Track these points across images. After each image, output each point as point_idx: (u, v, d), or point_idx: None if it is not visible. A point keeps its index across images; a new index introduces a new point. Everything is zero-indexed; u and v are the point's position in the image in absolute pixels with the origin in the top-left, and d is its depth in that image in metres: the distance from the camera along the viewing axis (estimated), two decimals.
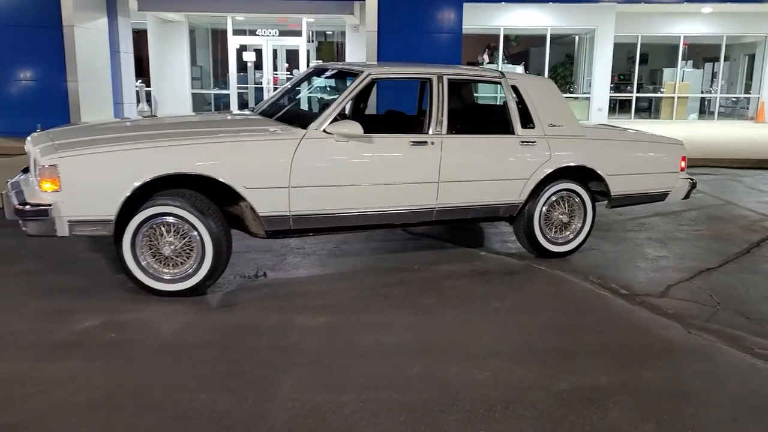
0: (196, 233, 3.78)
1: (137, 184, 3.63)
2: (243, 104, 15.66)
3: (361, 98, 5.48)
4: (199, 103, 16.17)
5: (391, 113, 5.52)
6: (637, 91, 19.17)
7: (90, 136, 3.93)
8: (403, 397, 2.81)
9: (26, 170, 4.39)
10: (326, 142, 4.04)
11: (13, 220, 3.73)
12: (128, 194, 3.62)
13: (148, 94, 15.02)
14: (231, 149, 3.85)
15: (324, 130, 4.04)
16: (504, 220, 4.88)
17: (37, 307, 3.66)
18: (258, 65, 15.68)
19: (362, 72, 4.30)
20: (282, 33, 15.43)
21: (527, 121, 4.71)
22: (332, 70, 5.06)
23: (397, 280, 4.35)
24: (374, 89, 6.73)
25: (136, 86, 13.78)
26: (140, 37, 15.36)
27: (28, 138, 4.10)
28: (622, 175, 4.98)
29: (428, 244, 5.32)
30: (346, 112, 5.38)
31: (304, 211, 4.03)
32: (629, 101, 19.16)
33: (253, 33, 15.39)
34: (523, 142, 4.64)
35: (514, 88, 4.75)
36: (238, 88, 15.44)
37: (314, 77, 5.31)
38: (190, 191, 3.83)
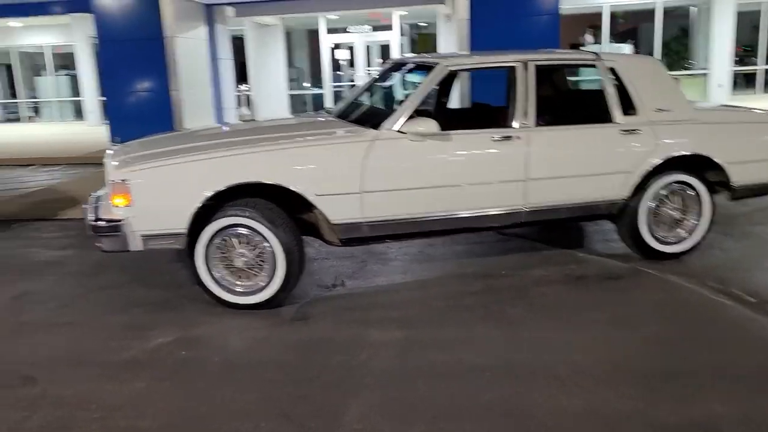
0: (267, 244, 3.64)
1: (208, 194, 3.54)
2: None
3: (441, 92, 5.15)
4: (297, 104, 16.40)
5: (477, 106, 5.15)
6: (766, 63, 17.29)
7: (163, 148, 3.90)
8: (479, 429, 2.49)
9: None
10: (400, 143, 3.77)
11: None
12: (198, 206, 3.54)
13: (248, 98, 15.43)
14: (298, 156, 3.68)
15: (397, 130, 3.77)
16: (605, 218, 4.39)
17: (114, 322, 3.67)
18: (351, 63, 15.66)
19: (438, 64, 3.98)
20: (374, 29, 15.29)
21: (629, 106, 4.19)
22: (410, 63, 4.77)
23: (481, 288, 4.01)
24: (462, 81, 6.35)
25: (238, 91, 14.18)
26: (241, 43, 15.80)
27: (107, 151, 4.15)
28: (745, 162, 4.33)
29: (518, 245, 4.91)
30: (429, 108, 5.07)
31: (379, 217, 3.79)
32: (754, 75, 17.32)
33: (344, 31, 15.38)
34: (624, 130, 4.13)
35: (612, 71, 4.24)
36: (333, 87, 15.50)
37: (392, 73, 5.05)
38: (262, 201, 3.70)
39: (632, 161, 4.13)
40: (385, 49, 15.48)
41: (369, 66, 15.48)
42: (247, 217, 3.60)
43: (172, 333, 3.48)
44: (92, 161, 10.82)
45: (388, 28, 14.88)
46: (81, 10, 12.47)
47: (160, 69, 11.66)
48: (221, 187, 3.52)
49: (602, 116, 4.17)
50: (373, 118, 3.97)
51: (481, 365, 3.02)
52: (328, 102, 15.33)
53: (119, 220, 3.49)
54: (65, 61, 20.18)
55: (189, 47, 12.05)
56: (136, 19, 11.63)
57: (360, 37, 15.29)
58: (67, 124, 19.13)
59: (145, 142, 4.28)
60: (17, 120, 20.44)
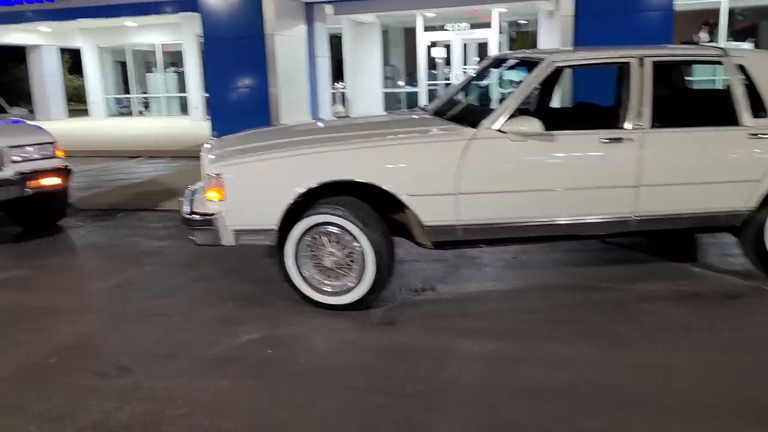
0: (357, 244, 3.54)
1: (299, 191, 3.48)
2: (432, 101, 15.53)
3: (545, 90, 4.86)
4: (390, 101, 16.39)
5: (582, 106, 4.83)
6: None
7: (258, 143, 3.88)
8: None
9: None
10: (500, 143, 3.55)
11: None
12: (290, 203, 3.49)
13: (343, 96, 15.57)
14: (392, 154, 3.55)
15: (497, 129, 3.56)
16: (725, 231, 3.98)
17: (207, 315, 3.69)
18: (447, 61, 15.44)
19: (543, 59, 3.72)
20: (472, 26, 14.99)
21: (760, 108, 3.77)
22: (512, 59, 4.53)
23: (580, 301, 3.73)
24: (563, 79, 6.01)
25: (333, 88, 14.34)
26: (338, 41, 15.97)
27: (204, 145, 4.19)
28: None
29: (622, 256, 4.56)
30: (529, 107, 4.81)
31: (475, 220, 3.60)
32: None
33: (441, 29, 15.18)
34: (752, 134, 3.71)
35: (741, 68, 3.82)
36: (428, 85, 15.35)
37: (492, 69, 4.82)
38: (353, 199, 3.60)
39: (762, 169, 3.71)
40: (482, 47, 15.15)
41: (465, 64, 15.21)
42: (339, 215, 3.50)
43: (260, 330, 3.45)
44: (193, 154, 11.26)
45: (486, 25, 14.55)
46: (189, 9, 12.97)
47: (260, 66, 11.95)
48: (313, 184, 3.46)
49: (727, 118, 3.77)
50: (471, 116, 3.78)
51: (579, 387, 2.77)
52: (423, 100, 15.20)
53: (212, 214, 3.50)
54: (173, 59, 21.22)
55: (288, 45, 12.28)
56: (239, 18, 11.97)
57: (457, 35, 15.05)
58: (173, 118, 20.10)
59: (241, 136, 4.30)
60: (129, 114, 21.72)
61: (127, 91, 21.97)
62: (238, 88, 12.32)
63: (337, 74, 15.69)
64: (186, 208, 3.69)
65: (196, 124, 17.48)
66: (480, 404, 2.66)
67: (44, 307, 3.94)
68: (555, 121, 3.74)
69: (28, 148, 5.22)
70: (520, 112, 3.69)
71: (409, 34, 16.16)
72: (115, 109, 22.02)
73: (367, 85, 15.88)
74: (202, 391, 2.82)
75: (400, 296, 3.87)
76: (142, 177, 8.97)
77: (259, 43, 11.76)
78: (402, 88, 16.60)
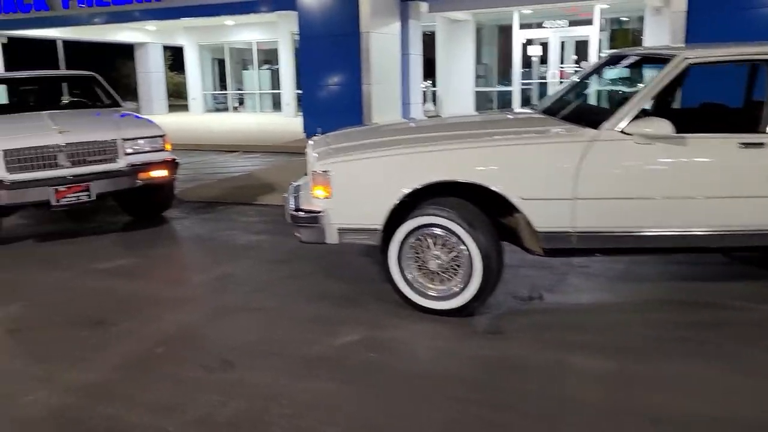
0: (464, 247, 3.38)
1: (405, 191, 3.37)
2: (525, 101, 15.09)
3: (669, 90, 4.51)
4: (482, 101, 16.08)
5: (709, 107, 4.45)
6: None
7: (365, 140, 3.80)
8: None
9: None
10: (623, 145, 3.29)
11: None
12: (396, 202, 3.39)
13: (434, 94, 15.41)
14: (505, 154, 3.36)
15: (621, 130, 3.30)
16: None
17: (304, 312, 3.64)
18: (543, 59, 14.95)
19: (675, 56, 3.42)
20: (571, 23, 14.44)
21: None
22: (632, 57, 4.22)
23: (707, 320, 3.41)
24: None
25: (423, 87, 14.21)
26: (429, 40, 15.83)
27: (309, 142, 4.16)
28: None
29: (747, 272, 4.16)
30: (647, 107, 4.47)
31: (592, 227, 3.35)
32: None
33: (539, 26, 14.70)
34: None
35: None
36: (522, 84, 14.93)
37: (609, 67, 4.52)
38: (460, 200, 3.44)
39: None
40: (580, 45, 14.57)
41: (562, 63, 14.67)
42: (446, 217, 3.36)
43: (359, 331, 3.36)
44: (286, 150, 11.46)
45: (587, 22, 13.96)
46: (287, 8, 13.20)
47: (354, 64, 11.99)
48: (422, 183, 3.33)
49: None
50: (590, 116, 3.53)
51: (707, 415, 2.50)
52: (516, 100, 14.80)
53: (319, 212, 3.44)
54: (267, 57, 21.78)
55: (382, 43, 12.25)
56: (335, 16, 12.06)
57: (555, 33, 14.54)
58: (266, 114, 20.64)
59: (345, 133, 4.23)
60: (225, 110, 22.50)
61: (223, 88, 22.76)
62: (331, 86, 12.42)
63: (426, 73, 15.55)
64: (291, 205, 3.65)
65: (287, 121, 17.84)
66: (598, 429, 2.44)
67: (150, 296, 4.03)
68: (680, 123, 3.43)
69: (141, 141, 5.39)
70: (643, 113, 3.41)
71: (503, 32, 15.79)
72: (211, 105, 22.88)
73: (458, 84, 15.65)
74: (306, 392, 2.76)
75: (506, 304, 3.69)
76: (240, 171, 9.17)
77: (355, 40, 11.80)
78: (494, 87, 16.24)
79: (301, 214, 3.51)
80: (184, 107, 23.20)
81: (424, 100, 14.44)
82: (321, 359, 3.07)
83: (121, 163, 5.30)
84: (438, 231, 3.43)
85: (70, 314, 3.75)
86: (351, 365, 3.01)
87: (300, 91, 19.38)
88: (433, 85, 15.55)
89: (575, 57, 14.89)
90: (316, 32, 12.27)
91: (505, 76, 15.94)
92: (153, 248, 5.19)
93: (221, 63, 22.66)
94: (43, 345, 3.35)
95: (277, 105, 21.32)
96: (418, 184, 3.34)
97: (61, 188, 5.01)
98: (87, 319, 3.66)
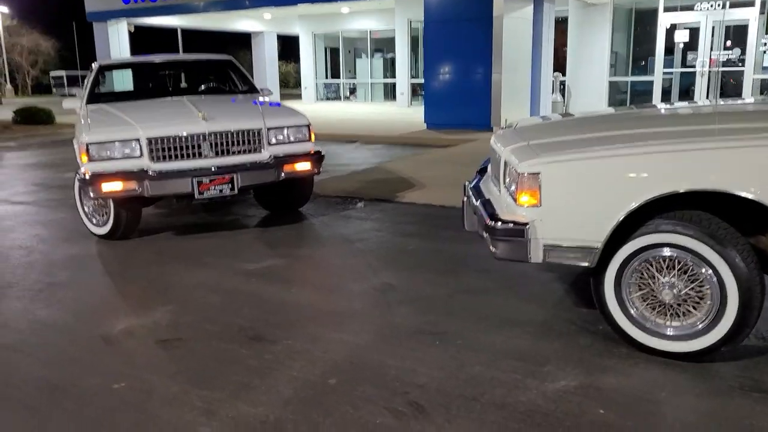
0: (710, 272, 2.63)
1: (641, 200, 2.64)
2: (665, 91, 13.71)
3: None
4: (615, 92, 14.81)
5: None
6: None
7: (572, 136, 3.11)
8: None
9: (482, 171, 3.87)
10: None
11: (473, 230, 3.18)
12: (624, 215, 2.68)
13: (562, 85, 14.35)
14: None
15: None
16: None
17: (494, 343, 3.02)
18: (690, 46, 13.51)
19: None
20: (729, 5, 12.92)
21: None
22: None
23: None
24: None
25: (552, 76, 13.22)
26: (556, 27, 14.76)
27: (495, 134, 3.52)
28: None
29: None
30: None
31: None
32: None
33: (688, 8, 13.27)
34: None
35: None
36: (663, 74, 13.56)
37: None
38: (702, 213, 2.69)
39: None
40: (736, 30, 13.03)
41: (712, 50, 13.18)
42: (690, 235, 2.62)
43: (572, 375, 2.70)
44: (409, 142, 10.90)
45: (747, 4, 12.42)
46: None
47: (483, 50, 11.23)
48: (665, 191, 2.60)
49: None
50: None
51: None
52: (657, 91, 13.47)
53: (525, 224, 2.79)
54: (380, 45, 21.39)
55: (515, 28, 11.42)
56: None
57: (708, 15, 13.03)
58: (378, 104, 20.28)
59: (542, 126, 3.57)
60: (337, 99, 22.37)
61: (335, 76, 22.63)
62: (457, 74, 11.71)
63: (556, 62, 14.50)
64: (483, 212, 3.02)
65: (402, 110, 17.37)
66: None
67: (306, 306, 3.57)
68: None
69: (285, 131, 4.97)
70: None
71: (642, 16, 14.43)
72: (323, 94, 22.82)
73: (590, 73, 14.50)
74: None
75: (751, 346, 2.89)
76: (366, 163, 8.71)
77: (484, 25, 11.04)
78: (630, 77, 14.91)
79: (500, 225, 2.86)
80: (293, 96, 23.32)
81: (552, 91, 13.44)
82: (536, 414, 2.43)
83: (265, 155, 4.89)
84: (669, 252, 2.70)
85: (222, 324, 3.34)
86: (577, 425, 2.35)
87: (414, 81, 18.88)
88: (561, 74, 14.49)
89: (728, 43, 13.34)
90: (443, 16, 11.59)
91: (641, 65, 14.60)
92: (298, 248, 4.76)
93: (334, 52, 22.52)
94: (199, 363, 2.93)
95: (388, 94, 20.92)
96: (658, 192, 2.62)
97: (205, 180, 4.66)
98: (242, 331, 3.23)
